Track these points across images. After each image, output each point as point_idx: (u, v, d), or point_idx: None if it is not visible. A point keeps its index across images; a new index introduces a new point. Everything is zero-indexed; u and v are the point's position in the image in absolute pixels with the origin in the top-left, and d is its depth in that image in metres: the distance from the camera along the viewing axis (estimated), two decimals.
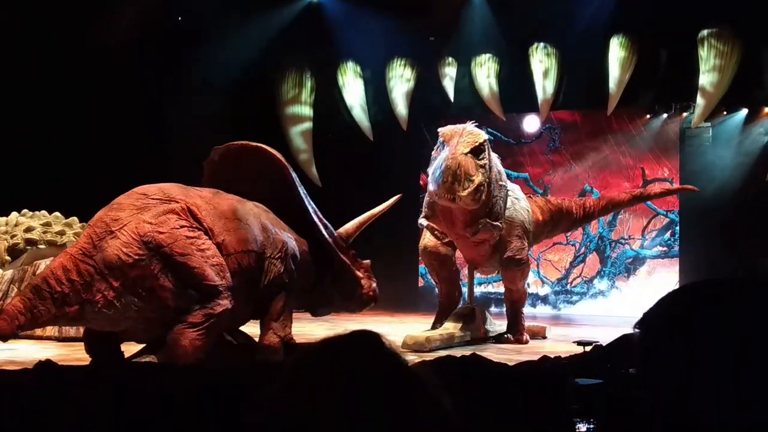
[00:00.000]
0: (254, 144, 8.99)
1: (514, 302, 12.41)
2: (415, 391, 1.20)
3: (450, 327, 11.76)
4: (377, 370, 1.19)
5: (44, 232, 12.98)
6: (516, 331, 12.15)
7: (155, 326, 7.37)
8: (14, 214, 13.22)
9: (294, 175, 8.98)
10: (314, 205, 9.18)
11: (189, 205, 7.55)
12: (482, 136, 10.60)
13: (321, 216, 9.25)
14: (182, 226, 7.36)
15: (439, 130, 10.97)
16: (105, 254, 7.04)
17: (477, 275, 13.15)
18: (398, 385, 1.19)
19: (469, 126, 10.74)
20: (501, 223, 11.23)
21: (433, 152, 11.05)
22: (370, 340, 1.25)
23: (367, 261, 10.09)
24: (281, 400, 1.19)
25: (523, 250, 11.81)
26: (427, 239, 12.52)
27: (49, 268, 7.09)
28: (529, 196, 13.43)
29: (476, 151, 10.37)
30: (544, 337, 12.59)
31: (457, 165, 10.11)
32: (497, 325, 12.54)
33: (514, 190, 12.35)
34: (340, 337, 1.26)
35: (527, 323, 12.96)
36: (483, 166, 10.42)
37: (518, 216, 11.85)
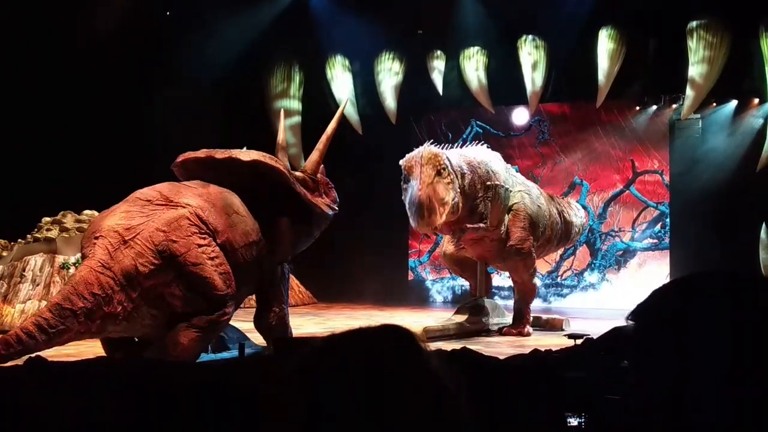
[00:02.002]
0: (236, 158, 8.57)
1: (519, 295, 12.59)
2: (441, 391, 1.18)
3: (455, 319, 12.10)
4: (409, 366, 1.17)
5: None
6: (519, 324, 12.24)
7: (163, 330, 7.38)
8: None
9: (283, 168, 8.81)
10: (293, 174, 9.07)
11: (196, 209, 7.52)
12: (440, 156, 10.83)
13: (295, 178, 9.07)
14: (194, 233, 7.34)
15: (400, 162, 11.17)
16: (122, 265, 6.96)
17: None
18: (426, 383, 1.17)
19: (425, 149, 10.99)
20: (485, 222, 11.39)
21: (402, 184, 11.21)
22: (404, 335, 1.23)
23: (321, 167, 9.95)
24: (305, 388, 1.16)
25: (526, 241, 12.03)
26: (447, 246, 13.03)
27: (71, 284, 6.94)
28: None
29: (439, 174, 10.67)
30: (562, 330, 12.58)
31: (428, 198, 10.49)
32: (506, 317, 12.71)
33: (529, 187, 12.75)
34: (373, 330, 1.23)
35: (546, 316, 13.64)
36: (450, 182, 10.72)
37: (526, 209, 12.12)
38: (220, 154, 8.59)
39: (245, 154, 8.63)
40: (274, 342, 8.28)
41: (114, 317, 6.92)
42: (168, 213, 7.35)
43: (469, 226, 11.26)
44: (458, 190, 10.79)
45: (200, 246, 7.33)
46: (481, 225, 11.40)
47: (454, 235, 11.54)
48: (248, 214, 8.16)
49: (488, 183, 11.52)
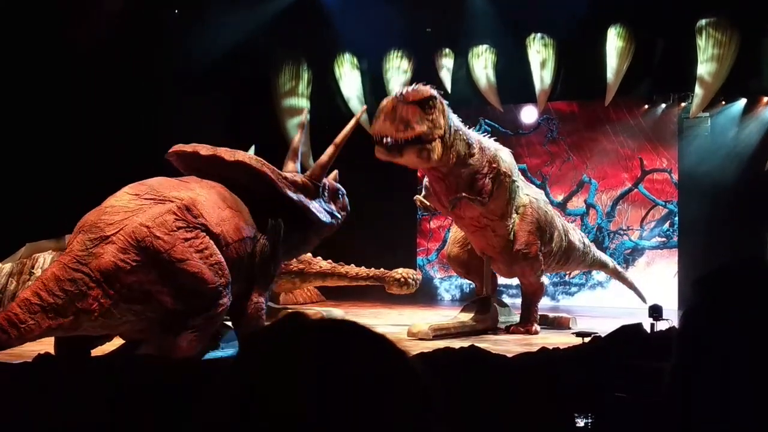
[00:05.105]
0: (213, 154, 8.45)
1: (527, 295, 12.55)
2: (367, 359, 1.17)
3: (460, 317, 12.03)
4: (307, 345, 1.17)
5: None
6: (526, 322, 12.21)
7: (153, 326, 7.24)
8: None
9: (268, 170, 8.54)
10: (282, 176, 8.78)
11: (185, 202, 7.35)
12: (431, 91, 10.24)
13: (290, 181, 8.84)
14: (179, 228, 7.16)
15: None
16: (100, 261, 6.80)
17: None
18: (338, 358, 1.16)
19: (422, 84, 10.40)
20: (483, 198, 11.15)
21: None
22: (295, 320, 1.23)
23: (334, 173, 9.79)
24: (225, 395, 1.16)
25: (533, 245, 11.94)
26: (452, 247, 13.04)
27: (41, 280, 6.79)
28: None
29: (422, 105, 10.02)
30: (569, 328, 12.57)
31: (392, 106, 9.81)
32: (513, 315, 12.70)
33: (537, 192, 12.74)
34: (266, 327, 1.24)
35: (554, 314, 13.61)
36: (431, 121, 10.07)
37: (533, 212, 12.05)
38: (204, 150, 8.43)
39: (230, 154, 8.45)
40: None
41: (89, 313, 6.75)
42: (154, 208, 7.18)
43: (465, 195, 10.95)
44: (439, 140, 10.24)
45: (186, 240, 7.15)
46: (478, 198, 11.15)
47: (450, 204, 11.14)
48: (242, 210, 8.02)
49: (494, 165, 11.36)
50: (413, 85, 10.45)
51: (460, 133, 10.86)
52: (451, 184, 11.03)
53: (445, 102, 10.58)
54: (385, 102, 9.98)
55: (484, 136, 12.55)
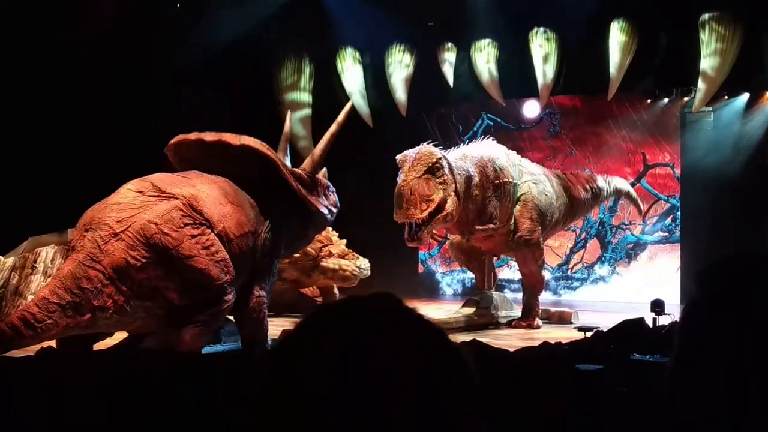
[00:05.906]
0: (218, 140, 8.45)
1: (528, 288, 12.61)
2: (438, 348, 1.18)
3: (461, 311, 12.07)
4: (397, 324, 1.18)
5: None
6: (528, 317, 12.25)
7: (161, 322, 7.28)
8: None
9: (274, 156, 8.55)
10: (288, 166, 8.86)
11: (189, 199, 7.37)
12: (435, 155, 10.60)
13: (290, 171, 8.85)
14: (186, 224, 7.19)
15: (397, 157, 10.97)
16: (112, 258, 6.83)
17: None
18: (421, 340, 1.17)
19: (423, 147, 10.80)
20: (495, 222, 11.38)
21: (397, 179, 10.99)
22: (389, 298, 1.24)
23: (323, 170, 9.76)
24: (297, 350, 1.16)
25: (534, 232, 12.05)
26: (454, 234, 13.00)
27: (58, 278, 6.80)
28: (572, 173, 14.39)
29: (432, 171, 10.44)
30: (571, 323, 12.60)
31: (409, 190, 10.28)
32: (515, 310, 12.74)
33: (536, 174, 12.67)
34: (359, 296, 1.25)
35: (556, 309, 13.68)
36: (443, 183, 10.47)
37: (533, 199, 12.11)
38: (210, 136, 8.42)
39: (235, 138, 8.43)
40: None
41: (104, 311, 6.79)
42: (160, 205, 7.21)
43: (478, 227, 11.27)
44: (453, 194, 10.59)
45: (193, 237, 7.19)
46: (491, 226, 11.38)
47: (464, 236, 11.58)
48: (243, 205, 8.02)
49: (497, 182, 11.51)
50: (412, 152, 10.75)
51: (462, 171, 11.04)
52: (461, 216, 11.19)
53: (446, 156, 10.86)
54: (400, 188, 10.41)
55: (482, 138, 12.63)
